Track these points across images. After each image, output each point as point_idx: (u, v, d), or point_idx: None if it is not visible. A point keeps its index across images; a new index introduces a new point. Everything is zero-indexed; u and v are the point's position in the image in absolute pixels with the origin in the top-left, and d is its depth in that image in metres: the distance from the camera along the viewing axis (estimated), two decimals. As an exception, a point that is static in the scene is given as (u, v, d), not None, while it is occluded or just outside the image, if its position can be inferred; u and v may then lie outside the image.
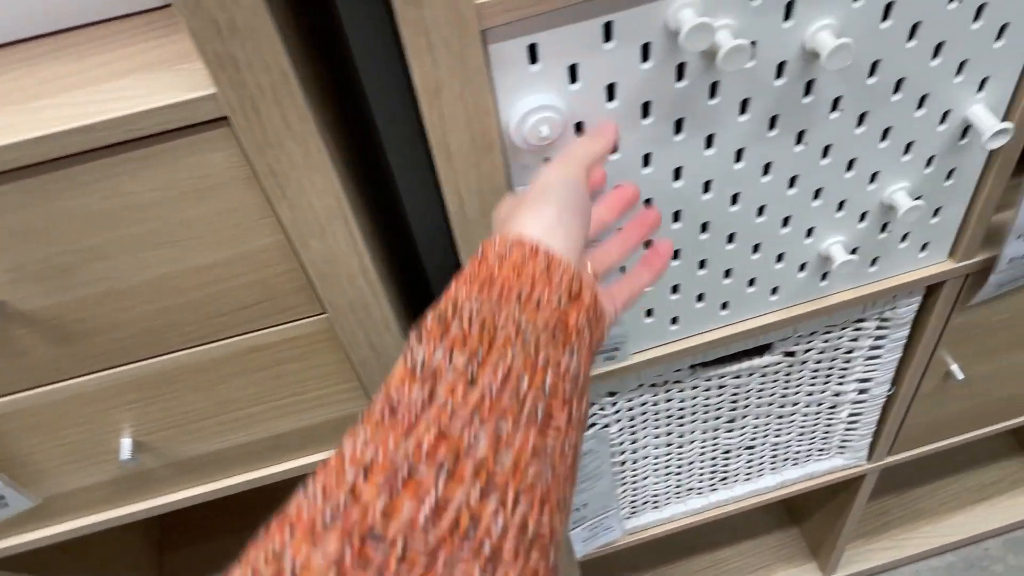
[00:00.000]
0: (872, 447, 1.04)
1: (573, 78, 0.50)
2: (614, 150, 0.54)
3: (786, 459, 1.03)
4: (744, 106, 0.55)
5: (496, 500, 0.30)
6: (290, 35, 0.45)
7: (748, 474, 1.04)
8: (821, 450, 1.03)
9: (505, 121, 0.50)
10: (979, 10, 0.53)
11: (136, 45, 0.47)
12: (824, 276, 0.72)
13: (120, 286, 0.53)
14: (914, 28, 0.53)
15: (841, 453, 1.04)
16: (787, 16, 0.50)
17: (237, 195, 0.50)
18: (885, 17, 0.52)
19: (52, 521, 0.74)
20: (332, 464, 0.31)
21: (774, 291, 0.72)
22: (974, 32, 0.55)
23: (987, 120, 0.59)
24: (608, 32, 0.48)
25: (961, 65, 0.57)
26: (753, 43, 0.51)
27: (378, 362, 0.64)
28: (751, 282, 0.70)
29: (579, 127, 0.53)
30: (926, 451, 1.09)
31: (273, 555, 0.28)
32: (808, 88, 0.55)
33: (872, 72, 0.55)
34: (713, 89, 0.53)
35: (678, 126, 0.55)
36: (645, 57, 0.50)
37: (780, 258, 0.69)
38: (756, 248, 0.67)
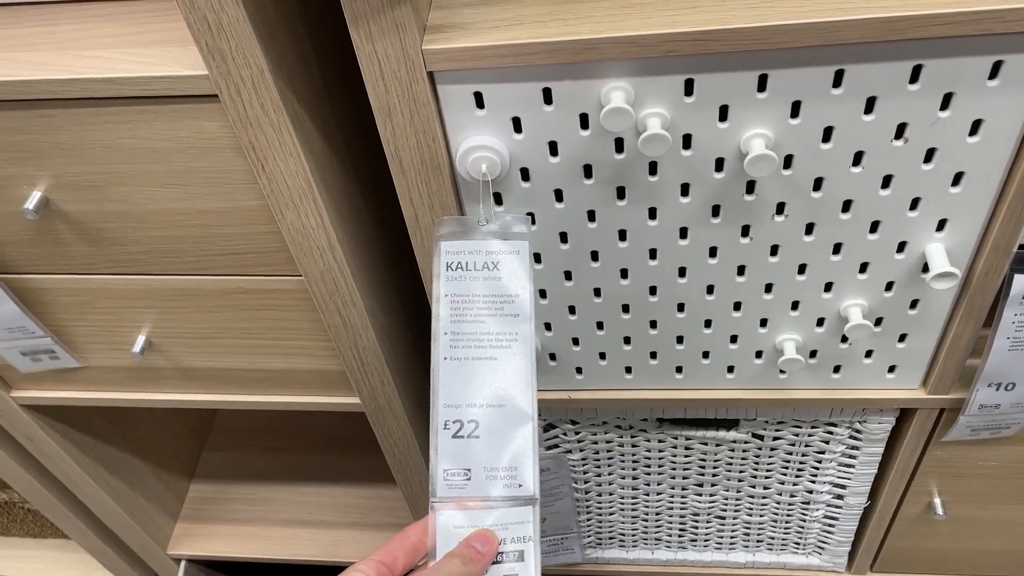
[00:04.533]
0: (851, 557, 1.03)
1: (518, 128, 0.56)
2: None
3: (759, 541, 1.04)
4: (685, 189, 0.59)
5: None
6: (283, 38, 0.55)
7: (719, 543, 1.05)
8: (797, 543, 1.03)
9: (454, 151, 0.57)
10: (929, 153, 0.55)
11: (172, 22, 0.57)
12: (783, 369, 0.74)
13: (135, 209, 0.65)
14: (858, 156, 0.55)
15: (819, 554, 1.03)
16: (722, 118, 0.54)
17: (229, 159, 0.60)
18: (826, 139, 0.54)
19: (86, 387, 0.88)
20: None
21: (730, 369, 0.75)
22: (925, 173, 0.56)
23: (937, 260, 0.60)
24: (548, 96, 0.54)
25: (915, 202, 0.58)
26: (688, 136, 0.55)
27: (345, 331, 0.73)
28: (705, 354, 0.74)
29: (525, 173, 0.59)
30: (915, 580, 1.06)
31: None
32: (751, 187, 0.58)
33: (817, 187, 0.58)
34: (653, 167, 0.58)
35: (621, 192, 0.60)
36: (585, 125, 0.55)
37: (734, 339, 0.72)
38: (708, 324, 0.70)
